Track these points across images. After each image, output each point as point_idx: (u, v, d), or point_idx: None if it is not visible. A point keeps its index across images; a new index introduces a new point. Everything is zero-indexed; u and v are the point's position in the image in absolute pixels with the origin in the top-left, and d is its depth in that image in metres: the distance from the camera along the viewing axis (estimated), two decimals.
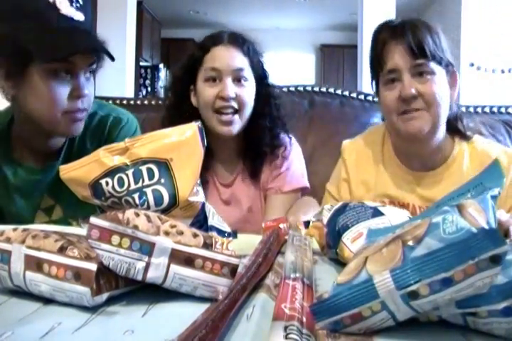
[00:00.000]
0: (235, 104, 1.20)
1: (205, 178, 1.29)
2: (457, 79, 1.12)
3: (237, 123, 1.22)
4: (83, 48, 1.00)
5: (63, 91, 0.99)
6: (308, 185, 1.32)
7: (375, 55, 1.11)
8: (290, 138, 1.33)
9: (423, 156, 1.15)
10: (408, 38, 1.04)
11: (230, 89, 1.19)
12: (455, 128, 1.15)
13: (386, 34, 1.09)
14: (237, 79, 1.21)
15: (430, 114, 1.05)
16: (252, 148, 1.28)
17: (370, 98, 1.68)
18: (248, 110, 1.24)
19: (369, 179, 1.19)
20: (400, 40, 1.06)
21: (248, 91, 1.23)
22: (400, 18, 1.13)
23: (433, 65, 1.05)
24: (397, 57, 1.05)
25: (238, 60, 1.22)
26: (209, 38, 1.26)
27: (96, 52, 1.02)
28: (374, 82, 1.15)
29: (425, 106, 1.05)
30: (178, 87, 1.29)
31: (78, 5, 0.99)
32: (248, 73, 1.23)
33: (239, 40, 1.24)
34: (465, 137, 1.15)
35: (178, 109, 1.27)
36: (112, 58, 1.01)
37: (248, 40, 1.27)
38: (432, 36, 1.05)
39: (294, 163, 1.31)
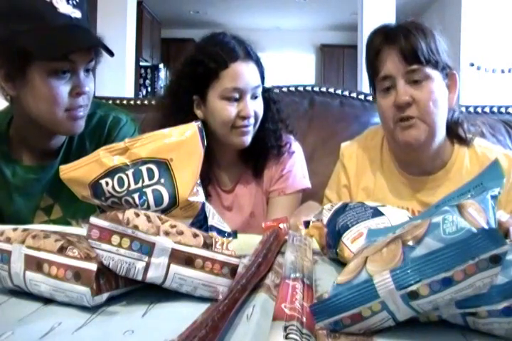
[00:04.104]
0: (252, 120, 1.21)
1: (206, 186, 1.27)
2: (457, 81, 1.09)
3: (251, 134, 1.23)
4: (83, 45, 1.00)
5: (64, 89, 0.99)
6: (309, 185, 1.33)
7: (369, 61, 1.09)
8: (290, 138, 1.33)
9: (422, 162, 1.14)
10: (400, 43, 1.02)
11: (251, 108, 1.19)
12: (455, 133, 1.13)
13: (379, 39, 1.07)
14: (254, 96, 1.21)
15: (425, 122, 1.04)
16: (257, 149, 1.27)
17: (370, 98, 1.68)
18: (259, 121, 1.24)
19: (369, 185, 1.19)
20: (393, 46, 1.04)
21: (261, 105, 1.23)
22: (397, 22, 1.12)
23: (428, 70, 1.03)
24: (390, 64, 1.04)
25: (256, 76, 1.21)
26: (220, 49, 1.18)
27: (95, 48, 1.02)
28: (371, 88, 1.15)
29: (420, 113, 1.03)
30: (181, 96, 1.23)
31: (75, 2, 0.99)
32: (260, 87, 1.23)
33: (251, 51, 1.21)
34: (465, 142, 1.13)
35: (180, 119, 1.15)
36: (112, 54, 1.01)
37: (250, 45, 1.24)
38: (427, 40, 1.03)
39: (296, 165, 1.31)
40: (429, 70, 1.03)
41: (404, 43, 1.02)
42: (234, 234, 0.76)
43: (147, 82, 7.05)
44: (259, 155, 1.29)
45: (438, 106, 1.04)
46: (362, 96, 1.70)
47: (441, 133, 1.09)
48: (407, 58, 1.02)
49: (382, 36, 1.07)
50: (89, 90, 1.02)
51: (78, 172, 0.68)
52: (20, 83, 0.98)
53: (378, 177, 1.18)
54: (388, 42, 1.05)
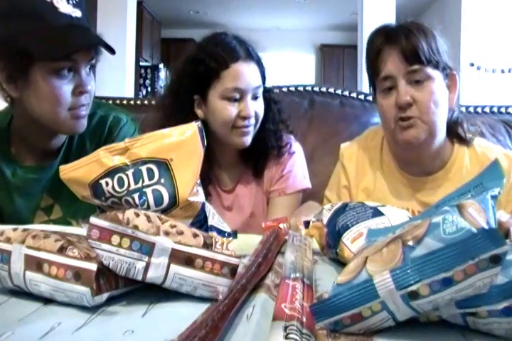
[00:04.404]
0: (253, 121, 1.21)
1: (206, 186, 1.27)
2: (457, 82, 1.09)
3: (251, 134, 1.23)
4: (84, 45, 1.00)
5: (67, 89, 0.99)
6: (309, 186, 1.33)
7: (370, 61, 1.09)
8: (291, 138, 1.33)
9: (422, 162, 1.14)
10: (401, 43, 1.02)
11: (251, 108, 1.19)
12: (455, 133, 1.13)
13: (380, 40, 1.07)
14: (255, 97, 1.21)
15: (425, 121, 1.04)
16: (257, 149, 1.27)
17: (370, 98, 1.68)
18: (260, 121, 1.24)
19: (369, 186, 1.19)
20: (394, 46, 1.04)
21: (262, 105, 1.23)
22: (397, 22, 1.11)
23: (429, 70, 1.03)
24: (391, 64, 1.04)
25: (257, 76, 1.21)
26: (221, 49, 1.18)
27: (97, 47, 1.02)
28: (371, 88, 1.14)
29: (420, 113, 1.03)
30: (182, 96, 1.23)
31: (75, 2, 0.99)
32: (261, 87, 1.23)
33: (252, 52, 1.21)
34: (465, 142, 1.13)
35: (180, 118, 1.14)
36: (113, 52, 1.01)
37: (252, 45, 1.24)
38: (428, 40, 1.03)
39: (296, 165, 1.31)
40: (430, 70, 1.03)
41: (405, 43, 1.02)
42: (234, 234, 0.76)
43: (147, 82, 7.04)
44: (260, 155, 1.29)
45: (438, 106, 1.04)
46: (362, 96, 1.70)
47: (441, 133, 1.09)
48: (408, 58, 1.02)
49: (383, 36, 1.07)
50: (91, 89, 1.03)
51: (78, 172, 0.68)
52: (22, 84, 0.98)
53: (378, 178, 1.18)
54: (389, 42, 1.05)
